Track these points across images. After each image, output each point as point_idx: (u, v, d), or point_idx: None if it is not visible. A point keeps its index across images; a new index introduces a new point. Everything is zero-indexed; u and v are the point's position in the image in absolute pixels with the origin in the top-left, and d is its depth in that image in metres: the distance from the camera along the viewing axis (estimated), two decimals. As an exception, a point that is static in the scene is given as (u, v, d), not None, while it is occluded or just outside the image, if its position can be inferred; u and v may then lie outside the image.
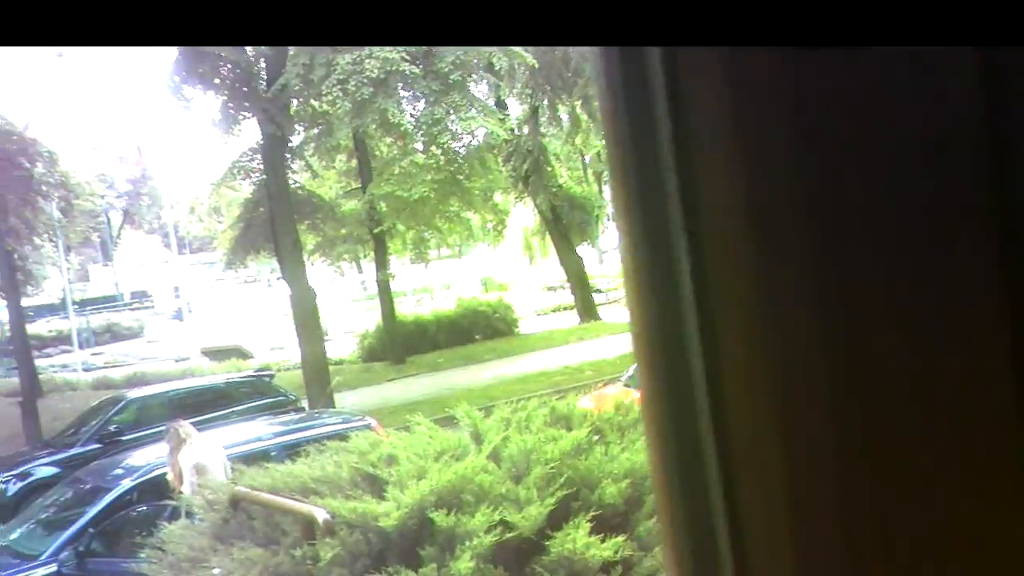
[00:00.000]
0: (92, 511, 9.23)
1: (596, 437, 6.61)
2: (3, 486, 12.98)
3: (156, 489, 9.23)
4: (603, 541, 5.54)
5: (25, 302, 25.62)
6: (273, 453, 9.15)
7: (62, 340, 34.25)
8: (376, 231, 21.97)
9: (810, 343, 0.60)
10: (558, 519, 5.76)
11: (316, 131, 20.04)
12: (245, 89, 17.18)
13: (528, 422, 6.71)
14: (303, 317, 17.89)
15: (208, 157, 39.30)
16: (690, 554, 0.65)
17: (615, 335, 23.54)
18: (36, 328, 34.16)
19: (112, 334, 38.93)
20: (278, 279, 26.06)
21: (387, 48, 15.34)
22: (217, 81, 17.20)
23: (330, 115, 18.16)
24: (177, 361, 28.37)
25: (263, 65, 17.60)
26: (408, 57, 15.60)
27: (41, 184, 23.18)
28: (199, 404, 14.45)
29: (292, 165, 20.64)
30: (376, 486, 6.04)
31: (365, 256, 27.34)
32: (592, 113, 26.41)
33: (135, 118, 78.32)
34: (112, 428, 13.90)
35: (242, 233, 21.15)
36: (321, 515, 5.48)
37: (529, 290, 36.54)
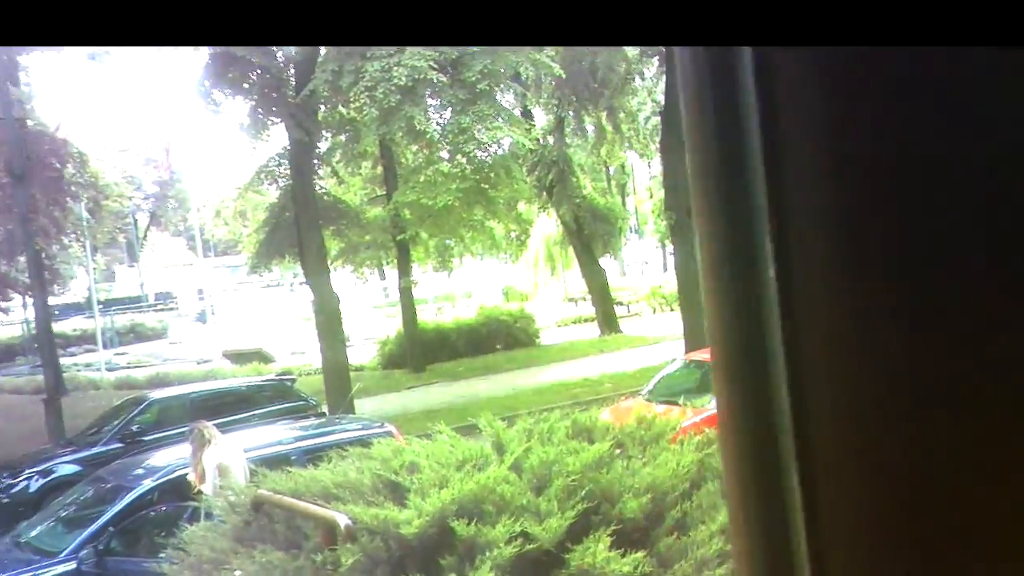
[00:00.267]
0: (113, 510, 9.26)
1: (618, 451, 6.59)
2: (26, 483, 13.07)
3: (176, 490, 9.28)
4: (623, 556, 5.50)
5: (51, 301, 25.90)
6: (293, 457, 9.20)
7: (87, 339, 34.59)
8: (400, 238, 22.05)
9: (897, 358, 0.58)
10: (578, 532, 5.72)
11: (343, 137, 20.16)
12: (274, 94, 17.29)
13: (550, 434, 6.69)
14: (325, 322, 17.96)
15: (235, 161, 39.66)
16: (768, 570, 0.63)
17: (635, 348, 23.51)
18: (61, 327, 34.54)
19: (136, 334, 39.31)
20: (301, 283, 26.21)
21: (415, 56, 15.40)
22: (246, 86, 17.33)
23: (357, 122, 18.25)
24: (199, 363, 28.56)
25: (292, 71, 17.72)
26: (436, 66, 15.63)
27: (71, 185, 23.50)
28: (220, 406, 14.52)
29: (318, 171, 20.76)
30: (398, 493, 6.04)
31: (388, 263, 27.44)
32: (617, 124, 26.41)
33: (164, 121, 79.11)
34: (134, 428, 13.97)
35: (267, 237, 21.27)
36: (343, 520, 5.48)
37: (550, 301, 36.51)
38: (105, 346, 31.84)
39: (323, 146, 20.48)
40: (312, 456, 8.53)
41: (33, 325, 25.73)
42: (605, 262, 30.34)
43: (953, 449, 0.57)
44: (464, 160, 18.32)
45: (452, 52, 16.04)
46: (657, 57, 22.49)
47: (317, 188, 20.22)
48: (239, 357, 27.15)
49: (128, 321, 40.74)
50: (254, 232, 23.76)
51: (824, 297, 0.59)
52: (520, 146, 18.49)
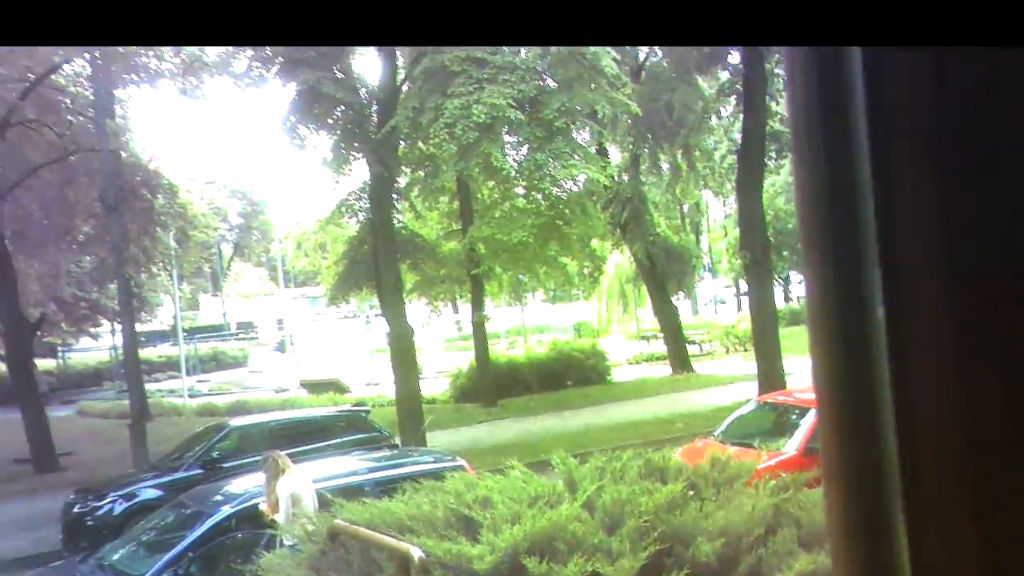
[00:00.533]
0: (192, 535, 9.40)
1: (691, 492, 6.52)
2: (110, 506, 13.36)
3: (254, 517, 9.41)
4: (696, 600, 5.44)
5: (139, 328, 26.79)
6: (367, 488, 9.25)
7: (171, 366, 35.65)
8: (474, 272, 22.27)
9: (1007, 402, 0.56)
10: (650, 574, 5.68)
11: (422, 173, 20.51)
12: (356, 130, 17.70)
13: (623, 472, 6.67)
14: (400, 354, 18.18)
15: (317, 194, 40.61)
16: None
17: (708, 388, 23.20)
18: (147, 353, 35.67)
19: (218, 362, 40.40)
20: (377, 315, 26.59)
21: (494, 94, 15.62)
22: (330, 121, 17.77)
23: (436, 157, 18.56)
24: (277, 391, 29.13)
25: (375, 107, 18.14)
26: (514, 103, 15.84)
27: (161, 215, 24.36)
28: (297, 435, 14.75)
29: (397, 205, 21.13)
30: (470, 528, 6.08)
31: (462, 297, 27.68)
32: (692, 163, 26.32)
33: (250, 155, 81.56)
34: (214, 455, 14.21)
35: (346, 269, 21.69)
36: (416, 553, 5.52)
37: (622, 338, 36.29)
38: (188, 373, 32.67)
39: (402, 181, 20.87)
40: (384, 487, 8.60)
41: (121, 351, 26.56)
42: (678, 300, 30.06)
43: None
44: (539, 196, 18.46)
45: (531, 90, 16.24)
46: (734, 96, 22.39)
47: (395, 222, 20.57)
48: (316, 387, 27.60)
49: (211, 349, 41.90)
50: (333, 264, 24.25)
51: (932, 337, 0.59)
52: (595, 183, 18.55)
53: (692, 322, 37.25)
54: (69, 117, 22.16)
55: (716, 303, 46.33)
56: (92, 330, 33.53)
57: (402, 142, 18.24)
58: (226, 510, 9.78)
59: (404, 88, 18.02)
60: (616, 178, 25.17)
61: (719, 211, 45.64)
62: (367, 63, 20.73)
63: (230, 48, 19.10)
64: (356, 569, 6.06)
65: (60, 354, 38.02)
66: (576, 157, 17.67)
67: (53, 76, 21.65)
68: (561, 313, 42.48)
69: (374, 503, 6.75)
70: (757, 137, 19.69)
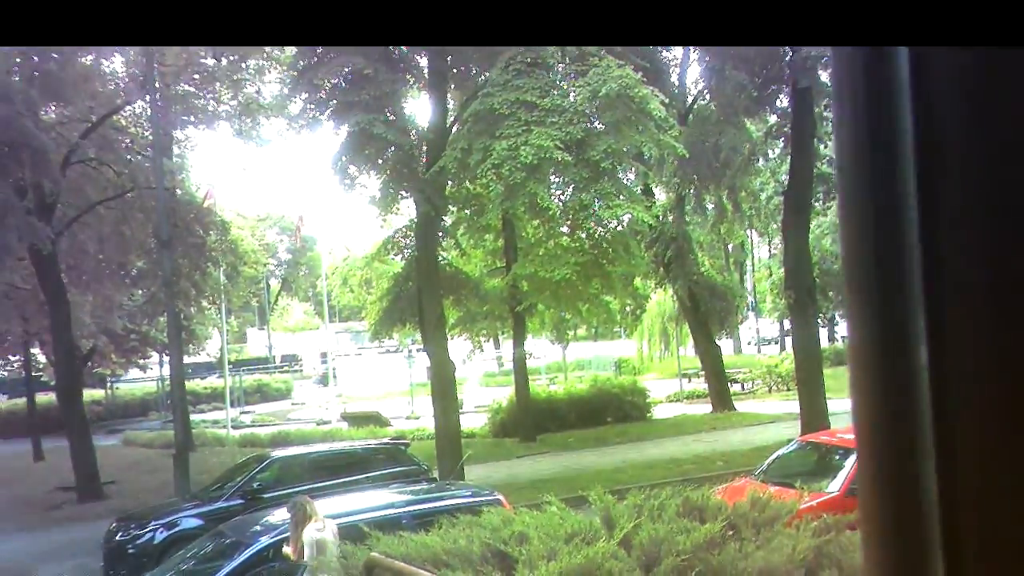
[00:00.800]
0: (230, 565, 9.45)
1: (730, 532, 6.46)
2: (151, 534, 13.51)
3: (292, 548, 9.47)
4: (733, 641, 5.37)
5: (186, 360, 27.23)
6: (404, 521, 9.26)
7: (216, 397, 36.15)
8: (517, 309, 22.36)
9: None
10: (687, 614, 5.63)
11: (468, 211, 20.71)
12: (405, 170, 17.98)
13: (660, 510, 6.63)
14: (440, 389, 18.26)
15: (365, 232, 41.15)
16: None
17: (749, 426, 22.92)
18: (193, 384, 36.23)
19: (262, 394, 40.87)
20: (419, 350, 26.74)
21: (542, 135, 15.78)
22: (380, 162, 18.07)
23: (482, 196, 18.74)
24: (319, 424, 29.34)
25: (424, 148, 18.43)
26: (562, 145, 15.97)
27: (212, 251, 24.89)
28: (337, 467, 14.85)
29: (442, 242, 21.34)
30: (506, 563, 6.08)
31: (504, 333, 27.76)
32: (738, 203, 26.26)
33: (300, 193, 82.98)
34: (255, 485, 14.30)
35: (390, 305, 21.92)
36: (451, 587, 5.54)
37: (663, 375, 36.04)
38: (233, 405, 33.07)
39: (448, 219, 21.10)
40: (422, 521, 8.61)
41: (168, 382, 26.99)
42: (722, 339, 29.84)
43: None
44: (583, 235, 18.54)
45: (578, 132, 16.37)
46: (782, 139, 22.37)
47: (440, 259, 20.78)
48: (357, 420, 27.77)
49: (255, 381, 42.42)
50: (378, 300, 24.51)
51: (975, 381, 0.58)
52: (640, 222, 18.59)
53: (735, 361, 36.89)
54: (128, 156, 22.83)
55: (760, 342, 45.86)
56: (141, 361, 34.16)
57: (450, 182, 18.45)
58: (264, 540, 9.84)
59: (453, 130, 18.30)
60: (661, 218, 25.18)
61: (764, 251, 45.34)
62: (418, 105, 21.13)
63: (285, 91, 19.59)
64: (392, 600, 6.09)
65: (109, 384, 38.74)
66: (621, 197, 17.71)
67: (114, 117, 22.37)
68: (602, 350, 42.36)
69: (410, 536, 6.77)
70: (804, 178, 19.69)
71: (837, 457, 11.41)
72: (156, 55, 19.93)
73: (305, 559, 8.40)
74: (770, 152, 25.95)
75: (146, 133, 22.39)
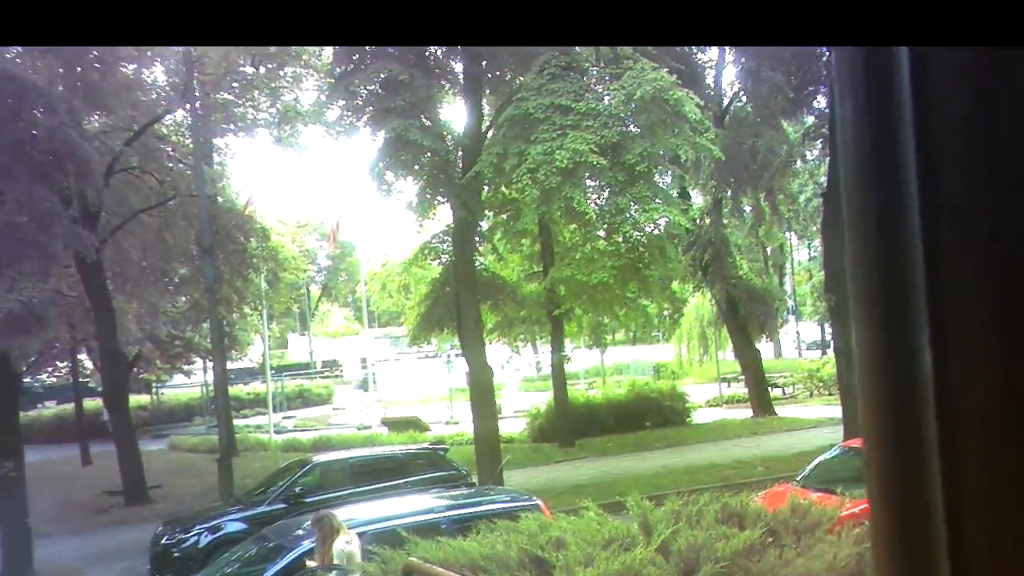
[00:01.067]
0: (273, 569, 9.60)
1: (770, 538, 6.41)
2: (196, 538, 13.74)
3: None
4: (773, 649, 5.33)
5: (229, 366, 27.59)
6: (443, 526, 9.30)
7: (259, 403, 36.55)
8: (555, 313, 22.36)
9: None
10: (726, 620, 5.60)
11: (504, 216, 20.76)
12: (442, 176, 18.07)
13: (699, 516, 6.60)
14: (479, 394, 18.32)
15: (402, 238, 41.39)
16: None
17: (790, 431, 22.68)
18: (237, 390, 36.66)
19: (303, 399, 41.26)
20: (457, 355, 26.84)
21: (577, 139, 15.78)
22: (417, 167, 18.18)
23: (518, 201, 18.77)
24: (359, 429, 29.54)
25: (460, 153, 18.52)
26: (597, 149, 15.95)
27: (253, 258, 25.21)
28: (377, 472, 14.97)
29: (479, 247, 21.42)
30: (543, 569, 6.10)
31: (541, 338, 27.75)
32: (776, 206, 26.02)
33: (338, 198, 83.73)
34: (298, 489, 14.48)
35: (428, 310, 22.03)
36: (489, 592, 5.56)
37: (702, 380, 35.79)
38: (275, 410, 33.43)
39: (484, 224, 21.17)
40: (460, 526, 8.64)
41: (211, 388, 27.36)
42: (763, 343, 29.55)
43: None
44: (620, 239, 18.49)
45: (613, 136, 16.35)
46: (820, 140, 22.14)
47: (477, 264, 20.85)
48: (396, 425, 27.93)
49: (297, 386, 42.84)
50: (416, 305, 24.65)
51: (979, 388, 0.59)
52: (676, 226, 18.51)
53: (776, 365, 36.52)
54: (169, 164, 23.21)
55: (801, 346, 45.33)
56: (185, 367, 34.64)
57: (486, 187, 18.51)
58: (306, 544, 9.95)
59: (489, 134, 18.36)
60: (698, 221, 25.03)
61: (804, 254, 44.84)
62: (454, 111, 21.24)
63: (323, 98, 19.81)
64: (430, 605, 6.12)
65: (154, 390, 39.34)
66: (657, 200, 17.67)
67: (156, 125, 22.77)
68: (641, 354, 42.17)
69: (448, 541, 6.81)
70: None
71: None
72: (196, 64, 20.26)
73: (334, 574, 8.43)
74: (808, 154, 25.67)
75: (187, 141, 22.76)
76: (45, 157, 14.62)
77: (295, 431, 31.56)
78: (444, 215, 20.41)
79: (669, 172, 20.54)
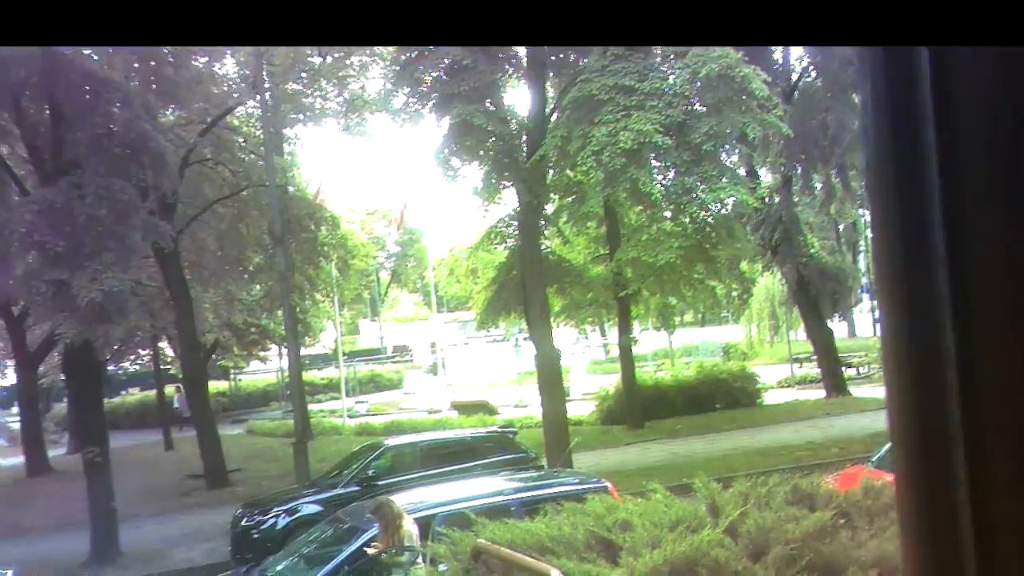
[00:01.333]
0: (348, 550, 9.77)
1: (842, 520, 6.31)
2: (274, 520, 14.11)
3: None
4: (844, 632, 5.26)
5: (303, 352, 28.20)
6: (513, 508, 9.38)
7: (332, 388, 37.29)
8: (621, 295, 22.26)
9: None
10: (796, 603, 5.54)
11: (570, 199, 20.72)
12: (506, 160, 18.10)
13: (768, 498, 6.53)
14: (547, 377, 18.36)
15: (469, 223, 41.65)
16: None
17: (865, 411, 22.22)
18: (311, 375, 37.46)
19: (375, 384, 41.97)
20: (525, 339, 26.94)
21: (641, 120, 15.63)
22: (482, 152, 18.25)
23: (583, 184, 18.71)
24: (430, 412, 29.92)
25: (524, 137, 18.51)
26: (662, 128, 15.79)
27: (324, 246, 25.66)
28: (447, 455, 15.17)
29: (545, 231, 21.42)
30: (610, 550, 6.11)
31: (609, 320, 27.66)
32: (847, 182, 25.39)
33: (406, 185, 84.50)
34: (370, 472, 14.77)
35: (495, 294, 22.14)
36: (556, 575, 5.59)
37: (773, 360, 35.24)
38: (348, 395, 34.06)
39: (550, 208, 21.15)
40: (530, 508, 8.71)
41: (286, 374, 27.98)
42: (836, 321, 28.93)
43: None
44: (687, 219, 18.29)
45: (678, 115, 16.16)
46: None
47: (543, 248, 20.86)
48: (466, 408, 28.18)
49: (369, 372, 43.57)
50: (483, 289, 24.80)
51: (1003, 370, 0.60)
52: (744, 205, 18.23)
53: (850, 344, 35.75)
54: (241, 155, 23.72)
55: (875, 324, 44.25)
56: (261, 354, 35.52)
57: (550, 170, 18.48)
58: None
59: (553, 118, 18.32)
60: (767, 199, 24.58)
61: (880, 231, 43.67)
62: (518, 95, 21.21)
63: (389, 85, 20.01)
64: (498, 586, 6.20)
65: (232, 376, 40.42)
66: (724, 180, 17.39)
67: (228, 117, 23.29)
68: (710, 335, 41.73)
69: (516, 523, 6.87)
70: (918, 153, 18.86)
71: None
72: (265, 56, 20.64)
73: (407, 556, 8.56)
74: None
75: (258, 132, 23.23)
76: (122, 151, 15.05)
77: (368, 415, 32.10)
78: (509, 199, 20.47)
79: (736, 151, 20.19)
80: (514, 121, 18.67)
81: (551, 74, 19.67)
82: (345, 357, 38.42)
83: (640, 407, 23.71)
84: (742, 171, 20.92)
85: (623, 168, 15.86)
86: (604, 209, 20.98)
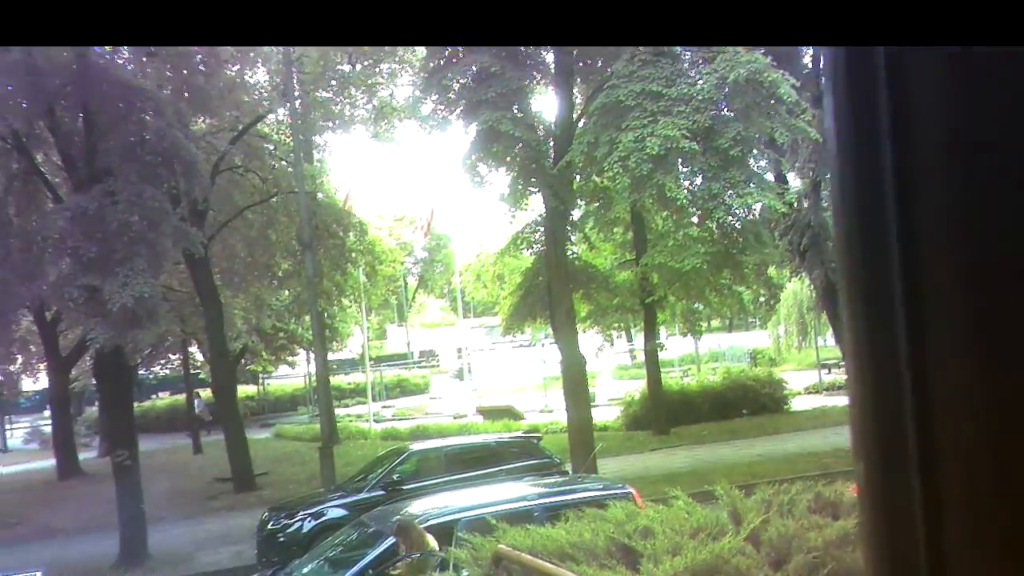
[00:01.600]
0: (372, 554, 9.81)
1: (865, 529, 6.25)
2: (300, 524, 14.18)
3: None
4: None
5: (330, 357, 28.35)
6: (536, 514, 9.36)
7: (359, 392, 37.47)
8: (647, 301, 22.19)
9: None
10: (817, 612, 5.50)
11: (596, 205, 20.72)
12: (533, 166, 18.14)
13: (791, 506, 6.49)
14: (572, 382, 18.35)
15: (496, 228, 41.70)
16: None
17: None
18: (338, 380, 37.66)
19: (401, 389, 42.12)
20: (551, 344, 26.95)
21: (668, 125, 15.60)
22: (509, 159, 18.30)
23: (610, 190, 18.69)
24: (455, 418, 29.97)
25: (551, 143, 18.54)
26: (689, 134, 15.75)
27: (351, 252, 25.82)
28: (471, 460, 15.20)
29: (571, 237, 21.42)
30: (631, 557, 6.10)
31: (635, 326, 27.57)
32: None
33: (434, 192, 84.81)
34: (395, 477, 14.81)
35: (521, 300, 22.18)
36: (575, 580, 5.60)
37: (801, 366, 34.94)
38: (374, 399, 34.19)
39: (576, 213, 21.15)
40: (553, 514, 8.69)
41: (314, 378, 28.16)
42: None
43: None
44: (713, 225, 18.22)
45: (705, 120, 16.10)
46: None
47: (569, 253, 20.86)
48: (491, 413, 28.20)
49: (395, 376, 43.73)
50: (509, 295, 24.84)
51: (955, 384, 0.60)
52: (773, 210, 18.11)
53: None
54: (271, 162, 23.94)
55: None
56: (289, 359, 35.79)
57: (577, 176, 18.47)
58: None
59: (580, 124, 18.33)
60: (796, 205, 24.38)
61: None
62: (545, 101, 21.25)
63: (417, 93, 20.13)
64: (518, 592, 6.20)
65: (261, 381, 40.75)
66: (752, 185, 17.29)
67: (258, 125, 23.53)
68: (736, 341, 41.45)
69: (536, 529, 6.88)
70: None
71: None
72: (296, 64, 20.83)
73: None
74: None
75: (287, 139, 23.41)
76: (154, 158, 15.27)
77: (394, 420, 32.23)
78: (536, 205, 20.50)
79: (764, 156, 20.06)
80: (541, 127, 18.71)
81: (578, 80, 19.69)
82: (372, 362, 38.57)
83: (666, 413, 23.63)
84: (770, 176, 20.76)
85: (650, 174, 15.84)
86: (630, 215, 20.97)
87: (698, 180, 17.84)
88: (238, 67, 21.55)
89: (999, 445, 0.59)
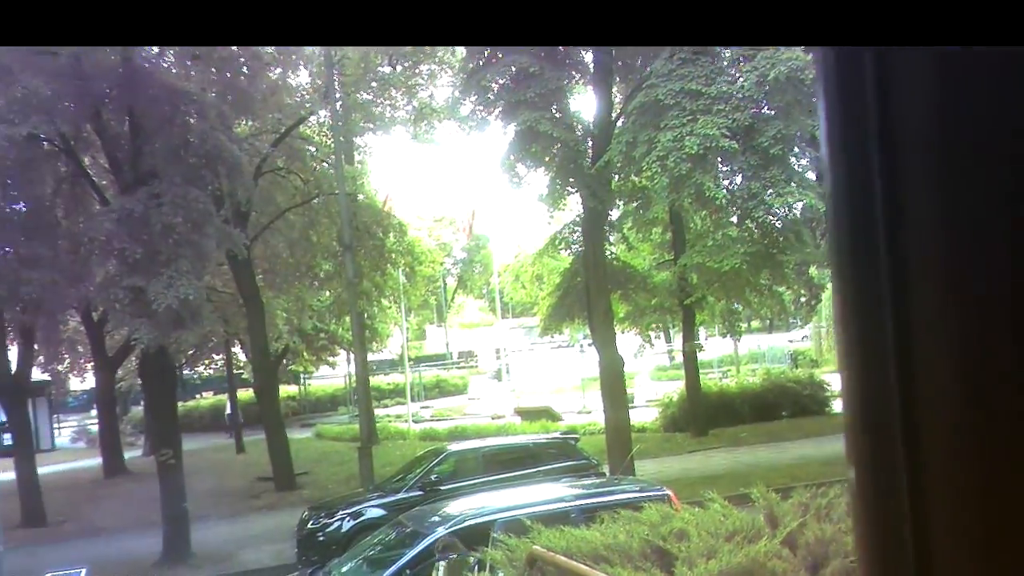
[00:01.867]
0: (410, 554, 9.87)
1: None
2: (339, 523, 14.31)
3: (467, 539, 9.75)
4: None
5: (370, 357, 28.54)
6: (572, 515, 9.33)
7: (398, 393, 37.68)
8: (686, 302, 22.04)
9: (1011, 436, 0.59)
10: (855, 618, 5.42)
11: (634, 205, 20.63)
12: (571, 165, 18.11)
13: (828, 509, 6.41)
14: (610, 384, 18.28)
15: (534, 229, 41.69)
16: None
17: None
18: (377, 381, 37.89)
19: (440, 389, 42.26)
20: (589, 345, 26.89)
21: (707, 124, 15.49)
22: (547, 159, 18.29)
23: (648, 189, 18.59)
24: (493, 418, 29.99)
25: (589, 143, 18.50)
26: (728, 133, 15.61)
27: (391, 253, 25.99)
28: (509, 461, 15.21)
29: (609, 237, 21.34)
30: (665, 560, 6.06)
31: (673, 326, 27.38)
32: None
33: (473, 193, 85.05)
34: (433, 477, 14.89)
35: (559, 300, 22.14)
36: (609, 582, 5.57)
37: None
38: (413, 400, 34.35)
39: (615, 213, 21.07)
40: (589, 515, 8.67)
41: (354, 379, 28.38)
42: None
43: None
44: (753, 224, 18.03)
45: (745, 119, 15.96)
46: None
47: (607, 253, 20.79)
48: (529, 414, 28.18)
49: (434, 377, 43.89)
50: (547, 295, 24.81)
51: (941, 379, 0.61)
52: (814, 209, 17.87)
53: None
54: (313, 164, 24.19)
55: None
56: (330, 359, 36.08)
57: (615, 176, 18.40)
58: (440, 531, 10.17)
59: (618, 123, 18.26)
60: (838, 204, 24.07)
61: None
62: (583, 101, 21.19)
63: (456, 94, 20.21)
64: (552, 593, 6.20)
65: (302, 381, 41.15)
66: (792, 184, 17.09)
67: (300, 127, 23.78)
68: (777, 342, 40.98)
69: (571, 530, 6.86)
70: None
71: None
72: (337, 66, 21.01)
73: None
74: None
75: (329, 141, 23.64)
76: (198, 161, 15.50)
77: (432, 420, 32.33)
78: (575, 205, 20.45)
79: (806, 154, 19.82)
80: (579, 127, 18.67)
81: (617, 79, 19.61)
82: (411, 362, 38.74)
83: (704, 414, 23.45)
84: (811, 175, 20.50)
85: (688, 173, 15.74)
86: (669, 214, 20.84)
87: (738, 179, 17.67)
88: (280, 70, 21.80)
89: (984, 445, 0.60)
